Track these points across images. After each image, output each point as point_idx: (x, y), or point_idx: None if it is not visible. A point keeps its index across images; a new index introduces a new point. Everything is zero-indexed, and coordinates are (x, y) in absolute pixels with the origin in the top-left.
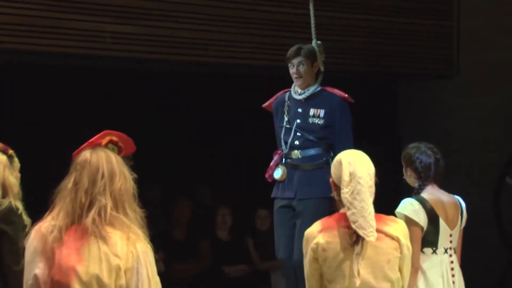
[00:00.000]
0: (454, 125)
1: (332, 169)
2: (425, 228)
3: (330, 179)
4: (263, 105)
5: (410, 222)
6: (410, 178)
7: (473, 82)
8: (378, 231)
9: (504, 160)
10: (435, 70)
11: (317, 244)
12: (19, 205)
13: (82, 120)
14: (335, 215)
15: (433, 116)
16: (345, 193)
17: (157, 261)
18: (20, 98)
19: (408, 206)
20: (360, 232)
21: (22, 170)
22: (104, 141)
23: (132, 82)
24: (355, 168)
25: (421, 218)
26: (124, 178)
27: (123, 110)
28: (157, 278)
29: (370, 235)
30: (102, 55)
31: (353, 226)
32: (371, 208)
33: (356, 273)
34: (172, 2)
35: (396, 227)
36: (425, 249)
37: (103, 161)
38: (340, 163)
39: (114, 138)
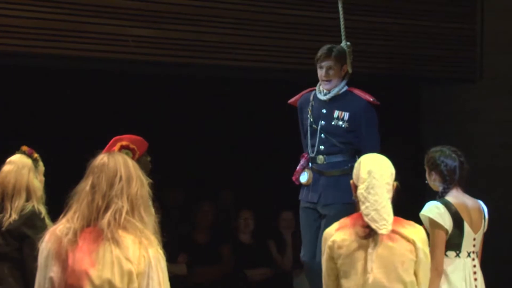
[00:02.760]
0: (477, 128)
1: (353, 171)
2: (449, 232)
3: (351, 181)
4: (289, 101)
5: (435, 225)
6: (434, 182)
7: (496, 85)
8: (394, 232)
9: None
10: (458, 74)
11: (333, 241)
12: (42, 209)
13: (106, 123)
14: (354, 215)
15: (456, 119)
16: (361, 189)
17: (179, 264)
18: (43, 101)
19: (434, 209)
20: (373, 225)
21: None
22: (116, 148)
23: (155, 85)
24: (373, 166)
25: (446, 221)
26: (140, 183)
27: (146, 114)
28: (168, 285)
29: (383, 228)
30: (125, 58)
31: (366, 219)
32: (386, 203)
33: (369, 269)
34: (194, 6)
35: (414, 231)
36: (449, 253)
37: (121, 164)
38: (360, 163)
39: (125, 143)
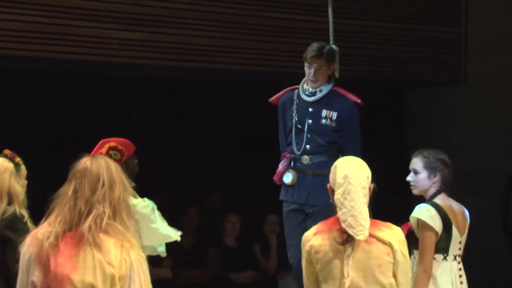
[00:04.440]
0: (462, 131)
1: (330, 175)
2: (439, 234)
3: (328, 185)
4: (270, 100)
5: (426, 227)
6: (434, 184)
7: (481, 88)
8: (370, 235)
9: None
10: (443, 77)
11: (311, 246)
12: (24, 212)
13: (90, 126)
14: (332, 219)
15: (442, 122)
16: (337, 194)
17: (164, 267)
18: (28, 104)
19: (425, 212)
20: (350, 231)
21: (30, 177)
22: (104, 150)
23: (140, 89)
24: (349, 170)
25: (437, 224)
26: (123, 187)
27: (131, 117)
28: (150, 287)
29: (360, 234)
30: (109, 61)
31: (343, 225)
32: (362, 208)
33: (346, 274)
34: (179, 9)
35: (390, 232)
36: (436, 256)
37: (104, 169)
38: (336, 167)
39: (113, 144)
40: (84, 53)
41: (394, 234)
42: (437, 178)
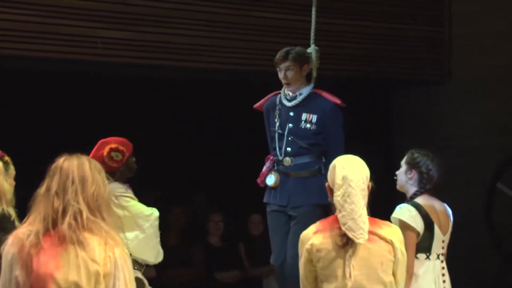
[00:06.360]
0: (447, 130)
1: (328, 174)
2: (421, 234)
3: (326, 184)
4: (254, 106)
5: (407, 227)
6: (410, 180)
7: (465, 87)
8: (372, 233)
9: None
10: (427, 76)
11: (311, 245)
12: (12, 212)
13: (74, 126)
14: (331, 218)
15: (426, 121)
16: (337, 196)
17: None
18: (10, 104)
19: (406, 212)
20: (350, 234)
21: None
22: (105, 152)
23: (124, 88)
24: (348, 171)
25: (418, 224)
26: (97, 184)
27: (116, 117)
28: (134, 284)
29: (360, 237)
30: (93, 60)
31: (343, 228)
32: (361, 211)
33: (348, 275)
34: (163, 8)
35: (391, 231)
36: (419, 255)
37: (74, 167)
38: (334, 167)
39: (113, 146)
40: (67, 52)
41: (394, 232)
42: (412, 175)
